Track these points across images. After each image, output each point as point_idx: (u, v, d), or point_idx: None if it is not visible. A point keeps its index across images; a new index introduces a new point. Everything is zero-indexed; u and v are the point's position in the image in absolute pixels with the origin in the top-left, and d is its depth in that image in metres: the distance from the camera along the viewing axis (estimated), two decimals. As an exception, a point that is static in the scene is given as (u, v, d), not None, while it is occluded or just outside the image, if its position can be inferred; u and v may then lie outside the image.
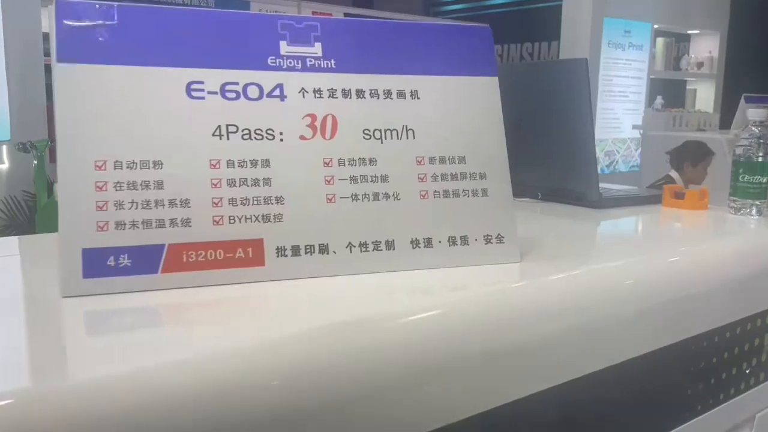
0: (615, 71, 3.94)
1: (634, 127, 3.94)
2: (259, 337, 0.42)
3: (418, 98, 0.59)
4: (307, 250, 0.54)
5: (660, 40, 4.28)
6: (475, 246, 0.59)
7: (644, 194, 1.03)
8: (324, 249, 0.54)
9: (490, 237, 0.60)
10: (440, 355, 0.47)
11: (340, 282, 0.53)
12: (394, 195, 0.57)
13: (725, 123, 4.22)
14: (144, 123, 0.51)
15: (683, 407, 0.69)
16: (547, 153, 0.98)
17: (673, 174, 2.87)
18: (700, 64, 4.54)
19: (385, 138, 0.58)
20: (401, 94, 0.59)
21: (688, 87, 4.69)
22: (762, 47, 4.23)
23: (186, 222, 0.51)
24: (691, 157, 2.84)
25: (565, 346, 0.54)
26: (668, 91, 4.41)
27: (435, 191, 0.59)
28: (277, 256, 0.53)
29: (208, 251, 0.51)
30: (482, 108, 0.61)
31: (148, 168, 0.50)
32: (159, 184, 0.50)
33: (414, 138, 0.59)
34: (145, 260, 0.49)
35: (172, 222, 0.50)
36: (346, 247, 0.55)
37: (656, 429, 0.66)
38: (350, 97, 0.57)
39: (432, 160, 0.59)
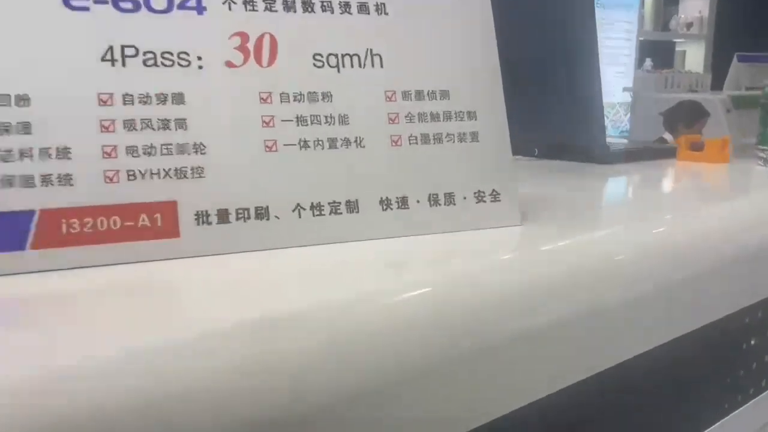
0: (604, 32, 3.80)
1: (625, 89, 3.80)
2: (168, 339, 0.28)
3: (386, 13, 0.45)
4: (240, 215, 0.40)
5: (649, 0, 4.14)
6: (464, 206, 0.46)
7: (656, 147, 0.90)
8: (263, 213, 0.40)
9: (482, 194, 0.46)
10: (424, 353, 0.34)
11: (285, 257, 0.40)
12: (356, 141, 0.43)
13: (716, 85, 4.10)
14: (2, 43, 0.36)
15: (722, 399, 0.57)
16: (545, 101, 0.84)
17: (667, 136, 2.75)
18: (689, 25, 4.40)
19: (343, 66, 0.44)
20: (363, 8, 0.45)
21: (677, 49, 4.56)
22: (751, 5, 4.10)
23: (65, 179, 0.36)
24: (686, 118, 2.71)
25: (584, 332, 0.42)
26: (657, 54, 4.27)
27: (410, 136, 0.45)
28: (198, 224, 0.39)
29: (98, 218, 0.37)
30: (471, 27, 0.47)
31: (9, 105, 0.36)
32: (25, 128, 0.36)
33: (381, 66, 0.45)
34: (6, 232, 0.35)
35: (45, 179, 0.36)
36: (294, 211, 0.41)
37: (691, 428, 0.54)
38: (294, 11, 0.43)
39: (406, 95, 0.45)
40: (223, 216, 0.39)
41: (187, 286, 0.37)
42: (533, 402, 0.39)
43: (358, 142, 0.43)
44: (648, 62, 4.05)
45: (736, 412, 0.58)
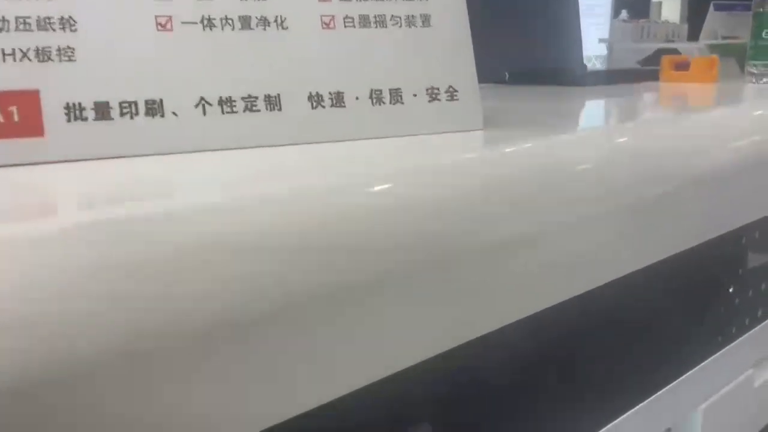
0: (579, -17, 3.70)
1: (601, 40, 3.73)
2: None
3: None
4: (125, 111, 0.31)
5: (625, -51, 4.03)
6: (414, 105, 0.38)
7: (638, 69, 0.83)
8: (155, 108, 0.32)
9: (436, 91, 0.38)
10: (360, 275, 0.27)
11: (187, 164, 0.31)
12: (277, 21, 0.35)
13: (692, 36, 4.02)
14: None
15: (714, 331, 0.50)
16: (516, 20, 0.76)
17: (644, 85, 2.69)
18: (665, -25, 4.32)
19: (258, -73, 0.35)
20: None
21: (653, 0, 4.48)
22: (729, -47, 4.01)
23: None
24: (663, 66, 2.65)
25: (566, 247, 0.34)
26: (633, 6, 4.19)
27: (346, 17, 0.37)
28: (69, 120, 0.30)
29: (-71, 112, 0.28)
30: None
31: None
32: None
33: (307, -70, 0.36)
34: None
35: None
36: (197, 106, 0.33)
37: (674, 368, 0.47)
38: None
39: (339, -34, 0.37)
40: (102, 110, 0.31)
41: (63, 199, 0.29)
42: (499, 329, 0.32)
43: (279, 22, 0.35)
44: (624, 13, 3.96)
45: (730, 345, 0.51)
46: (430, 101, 0.38)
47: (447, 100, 0.39)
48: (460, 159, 0.33)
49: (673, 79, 0.74)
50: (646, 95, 0.65)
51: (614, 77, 0.77)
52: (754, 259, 0.52)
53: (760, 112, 0.53)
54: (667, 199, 0.41)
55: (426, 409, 0.33)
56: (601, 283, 0.37)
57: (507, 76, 0.78)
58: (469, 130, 0.39)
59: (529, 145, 0.36)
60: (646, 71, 0.80)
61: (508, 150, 0.35)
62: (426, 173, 0.31)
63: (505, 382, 0.36)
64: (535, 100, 0.61)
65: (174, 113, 0.32)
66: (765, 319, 0.56)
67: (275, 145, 0.34)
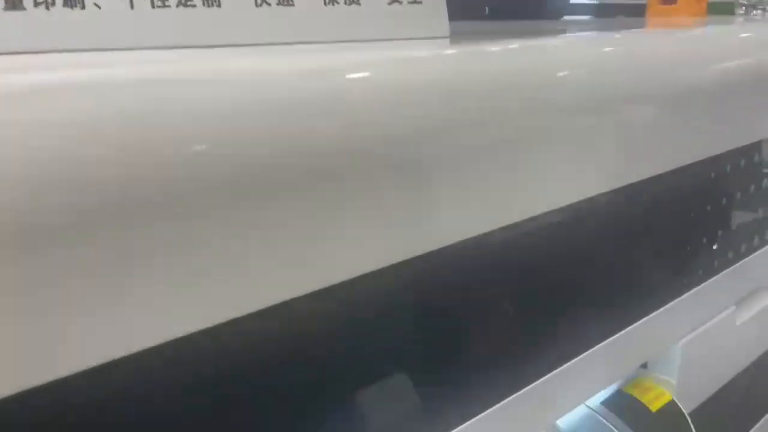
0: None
1: (590, -2, 3.67)
2: None
3: None
4: (39, 1, 0.28)
5: None
6: (371, 6, 0.34)
7: (626, 3, 0.80)
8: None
9: (396, -7, 0.35)
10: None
11: (109, 57, 0.28)
12: None
13: None
14: None
15: (694, 264, 0.48)
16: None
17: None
18: (657, -68, 4.24)
19: None
20: None
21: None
22: None
23: None
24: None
25: (540, 156, 0.32)
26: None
27: None
28: (-27, 9, 0.27)
29: None
30: None
31: None
32: None
33: None
34: None
35: None
36: (123, -2, 0.29)
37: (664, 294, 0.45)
38: None
39: None
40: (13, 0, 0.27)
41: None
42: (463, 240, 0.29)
43: None
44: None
45: (712, 280, 0.49)
46: (389, 3, 0.35)
47: (409, 2, 0.35)
48: (418, 55, 0.30)
49: (660, 13, 0.71)
50: (629, 22, 0.62)
51: (599, 11, 0.73)
52: (740, 189, 0.50)
53: (747, 34, 0.50)
54: (645, 116, 0.38)
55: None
56: (576, 199, 0.34)
57: (486, 10, 0.75)
58: (434, 38, 0.36)
59: (497, 48, 0.33)
60: (632, 6, 0.77)
61: (476, 49, 0.32)
62: (386, 66, 0.28)
63: (470, 308, 0.34)
64: (511, 26, 0.58)
65: (96, 5, 0.29)
66: (748, 255, 0.53)
67: (214, 46, 0.31)
